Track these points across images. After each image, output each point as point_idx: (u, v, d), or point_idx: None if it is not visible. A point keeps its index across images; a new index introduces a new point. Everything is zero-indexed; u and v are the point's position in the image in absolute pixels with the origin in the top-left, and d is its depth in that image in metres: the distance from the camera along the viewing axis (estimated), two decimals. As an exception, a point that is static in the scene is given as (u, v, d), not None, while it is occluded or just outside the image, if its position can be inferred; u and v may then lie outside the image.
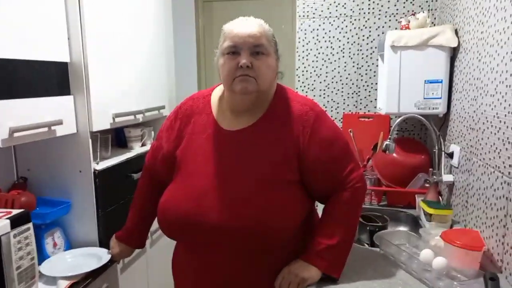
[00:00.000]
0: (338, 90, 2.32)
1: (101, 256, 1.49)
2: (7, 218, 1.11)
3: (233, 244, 1.08)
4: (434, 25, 2.09)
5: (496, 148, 1.25)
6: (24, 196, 1.32)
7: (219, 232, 1.06)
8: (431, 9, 2.13)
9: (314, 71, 2.33)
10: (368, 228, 1.67)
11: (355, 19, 2.23)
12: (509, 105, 1.16)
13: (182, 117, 1.22)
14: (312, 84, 2.34)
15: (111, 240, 1.44)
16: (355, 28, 2.24)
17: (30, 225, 1.18)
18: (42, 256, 1.46)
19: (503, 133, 1.19)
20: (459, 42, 1.70)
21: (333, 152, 1.14)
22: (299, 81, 2.36)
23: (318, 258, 1.13)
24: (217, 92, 1.23)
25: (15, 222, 1.12)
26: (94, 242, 1.58)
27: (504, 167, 1.18)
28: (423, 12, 1.86)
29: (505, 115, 1.18)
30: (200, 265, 1.14)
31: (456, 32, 1.73)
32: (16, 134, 1.20)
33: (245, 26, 1.08)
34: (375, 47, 2.22)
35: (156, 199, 1.19)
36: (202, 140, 1.16)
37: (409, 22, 1.86)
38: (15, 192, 1.35)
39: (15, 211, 1.16)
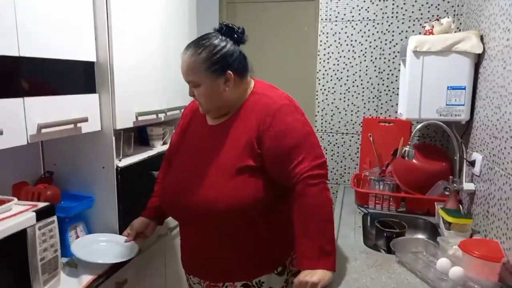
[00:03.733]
0: (358, 94, 2.30)
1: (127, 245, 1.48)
2: (33, 211, 1.15)
3: (205, 221, 1.25)
4: (460, 30, 2.06)
5: (519, 158, 1.22)
6: (49, 190, 1.37)
7: (192, 212, 1.24)
8: (457, 15, 2.10)
9: (335, 74, 2.32)
10: (385, 234, 1.65)
11: (378, 23, 2.22)
12: (534, 114, 1.13)
13: (187, 114, 1.44)
14: (333, 88, 2.34)
15: (128, 229, 1.47)
16: (377, 32, 2.22)
17: (55, 218, 1.22)
18: (65, 248, 1.51)
19: (527, 143, 1.17)
20: (484, 48, 1.66)
21: (285, 144, 1.18)
22: (319, 84, 2.36)
23: (310, 260, 1.13)
24: None
25: (41, 215, 1.17)
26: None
27: (527, 178, 1.16)
28: (448, 18, 1.84)
29: (529, 125, 1.16)
30: (186, 239, 1.38)
31: (482, 38, 1.70)
32: (43, 130, 1.25)
33: (182, 65, 1.26)
34: (398, 52, 2.20)
35: None
36: (193, 133, 1.38)
37: (433, 27, 1.84)
38: (42, 185, 1.40)
39: (40, 204, 1.20)
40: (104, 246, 1.52)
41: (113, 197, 1.59)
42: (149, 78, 1.79)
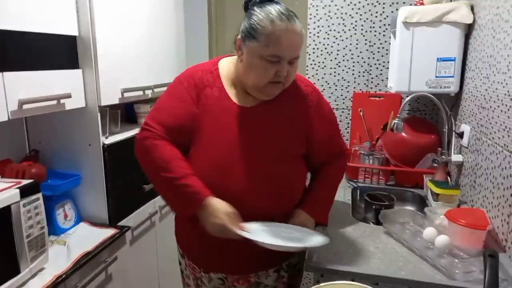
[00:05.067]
0: (349, 68, 2.28)
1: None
2: (16, 188, 1.14)
3: (251, 214, 1.12)
4: (451, 0, 2.02)
5: (506, 126, 1.22)
6: (34, 168, 1.35)
7: (240, 204, 1.10)
8: (448, -15, 2.06)
9: (325, 48, 2.29)
10: (374, 207, 1.66)
11: (368, -5, 2.18)
12: (521, 82, 1.13)
13: (196, 86, 1.19)
14: (323, 62, 2.31)
15: (216, 217, 1.07)
16: (368, 4, 2.18)
17: (40, 195, 1.21)
18: (53, 226, 1.51)
19: (513, 111, 1.17)
20: (474, 18, 1.64)
21: (331, 128, 1.30)
22: (309, 58, 2.32)
23: (322, 212, 1.29)
24: (224, 66, 1.23)
25: (25, 192, 1.16)
26: (104, 214, 1.62)
27: (513, 146, 1.16)
28: (439, -13, 1.80)
29: (516, 93, 1.15)
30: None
31: (472, 8, 1.67)
32: (25, 106, 1.22)
33: (293, 39, 1.08)
34: (389, 24, 2.16)
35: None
36: (217, 113, 1.17)
37: (423, -3, 1.80)
38: (26, 163, 1.39)
39: (25, 181, 1.19)
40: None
41: (101, 174, 1.58)
42: (135, 54, 1.75)
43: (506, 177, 1.20)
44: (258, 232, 1.08)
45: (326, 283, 0.97)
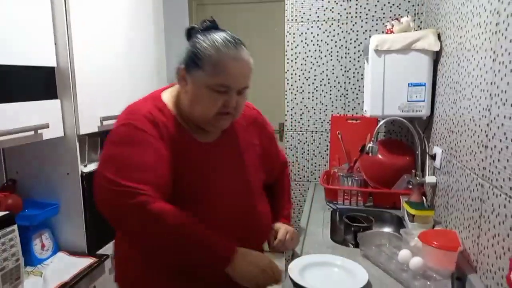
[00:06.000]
0: (326, 92, 2.34)
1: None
2: (-9, 220, 1.13)
3: (259, 244, 1.23)
4: (420, 29, 2.12)
5: (472, 150, 1.27)
6: (10, 199, 1.35)
7: (257, 233, 1.20)
8: (417, 13, 2.16)
9: (303, 74, 2.36)
10: (352, 228, 1.69)
11: (342, 23, 2.26)
12: (483, 109, 1.18)
13: (155, 129, 1.04)
14: (301, 87, 2.37)
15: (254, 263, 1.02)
16: (342, 31, 2.27)
17: (15, 227, 1.21)
18: (30, 257, 1.49)
19: (478, 136, 1.22)
20: (441, 46, 1.72)
21: (276, 143, 1.38)
22: (288, 83, 2.39)
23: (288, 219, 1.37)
24: (169, 101, 1.12)
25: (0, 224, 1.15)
26: (82, 242, 1.60)
27: (479, 169, 1.21)
28: (407, 17, 1.89)
29: (480, 119, 1.21)
30: None
31: (439, 36, 1.76)
32: (2, 138, 1.23)
33: (241, 67, 1.04)
34: (362, 51, 2.25)
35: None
36: (182, 153, 1.07)
37: (393, 26, 1.89)
38: (2, 194, 1.37)
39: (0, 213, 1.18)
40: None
41: (79, 203, 1.58)
42: (114, 83, 1.77)
43: (474, 199, 1.24)
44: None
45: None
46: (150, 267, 1.07)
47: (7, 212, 1.20)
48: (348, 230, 1.73)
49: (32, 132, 1.35)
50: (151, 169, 0.99)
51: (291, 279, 1.19)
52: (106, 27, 1.70)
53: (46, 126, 1.39)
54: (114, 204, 0.95)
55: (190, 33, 1.09)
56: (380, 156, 2.00)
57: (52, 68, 1.46)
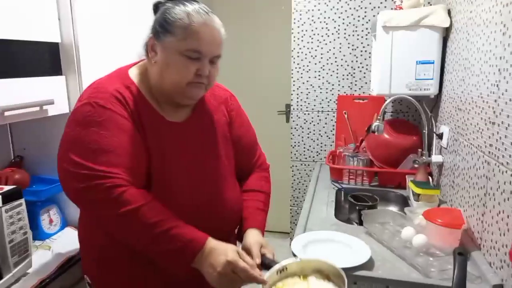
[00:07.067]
0: (333, 71, 2.31)
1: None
2: (-1, 194, 1.15)
3: (229, 230, 1.16)
4: (430, 4, 2.07)
5: (479, 128, 1.26)
6: (17, 174, 1.36)
7: (223, 220, 1.13)
8: (428, -11, 2.10)
9: (309, 52, 2.32)
10: (357, 207, 1.69)
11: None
12: (492, 85, 1.16)
13: (123, 107, 1.00)
14: (307, 66, 2.34)
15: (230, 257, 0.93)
16: (350, 8, 2.22)
17: (22, 201, 1.22)
18: (38, 231, 1.51)
19: (486, 113, 1.20)
20: (451, 22, 1.68)
21: (253, 135, 1.29)
22: (294, 62, 2.36)
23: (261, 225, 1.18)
24: (136, 77, 1.09)
25: (7, 198, 1.16)
26: (89, 219, 1.63)
27: (485, 146, 1.19)
28: (417, -8, 1.85)
29: (488, 95, 1.19)
30: None
31: (449, 12, 1.71)
32: (7, 113, 1.23)
33: (213, 33, 1.01)
34: (370, 28, 2.20)
35: None
36: (152, 133, 1.03)
37: (402, 2, 1.84)
38: (9, 169, 1.39)
39: (7, 188, 1.20)
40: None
41: (85, 179, 1.59)
42: (118, 59, 1.75)
43: (480, 177, 1.23)
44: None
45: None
46: (114, 248, 1.04)
47: (14, 186, 1.21)
48: (352, 209, 1.73)
49: (37, 108, 1.36)
50: (123, 151, 0.94)
51: (293, 254, 1.20)
52: (110, 1, 1.69)
53: (51, 102, 1.39)
54: (84, 189, 0.91)
55: (157, 5, 1.07)
56: (386, 136, 1.98)
57: (57, 44, 1.46)
